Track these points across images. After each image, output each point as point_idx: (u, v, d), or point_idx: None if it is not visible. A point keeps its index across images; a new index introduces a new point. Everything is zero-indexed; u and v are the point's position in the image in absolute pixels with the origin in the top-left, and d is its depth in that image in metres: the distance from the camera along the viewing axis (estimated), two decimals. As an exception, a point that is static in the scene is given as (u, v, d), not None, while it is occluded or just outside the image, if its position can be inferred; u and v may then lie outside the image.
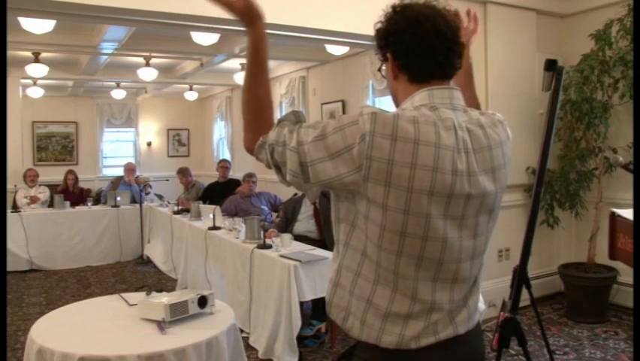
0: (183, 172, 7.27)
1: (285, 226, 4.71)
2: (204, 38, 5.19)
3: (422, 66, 1.20)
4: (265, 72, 1.29)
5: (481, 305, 1.30)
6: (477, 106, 1.46)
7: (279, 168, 1.21)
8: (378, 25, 1.23)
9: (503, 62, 4.36)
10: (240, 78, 7.76)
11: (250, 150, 1.28)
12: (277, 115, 1.28)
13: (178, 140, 11.76)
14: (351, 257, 1.19)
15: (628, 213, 2.26)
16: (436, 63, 1.19)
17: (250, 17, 1.27)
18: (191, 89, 9.85)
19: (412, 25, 1.17)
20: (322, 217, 4.58)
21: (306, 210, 4.71)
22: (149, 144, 11.46)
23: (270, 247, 3.89)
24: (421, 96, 1.19)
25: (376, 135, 1.08)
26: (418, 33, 1.17)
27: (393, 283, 1.15)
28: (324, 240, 4.47)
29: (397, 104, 1.27)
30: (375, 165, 1.08)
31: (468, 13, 1.50)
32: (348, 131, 1.10)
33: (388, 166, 1.08)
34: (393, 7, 1.22)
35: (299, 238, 4.37)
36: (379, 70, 1.29)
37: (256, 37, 1.27)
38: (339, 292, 1.22)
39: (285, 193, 6.49)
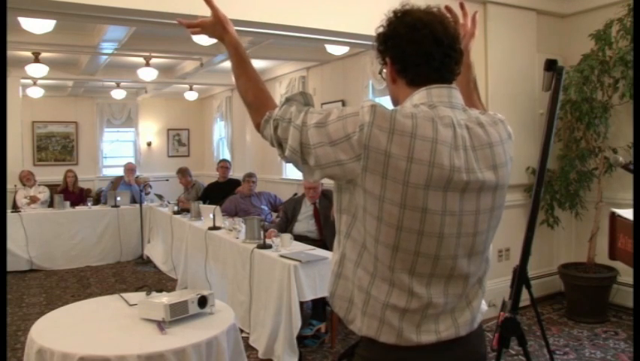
0: (183, 172, 7.27)
1: (285, 225, 4.71)
2: (204, 38, 5.19)
3: (419, 71, 1.21)
4: (250, 63, 1.38)
5: (484, 306, 1.30)
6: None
7: (280, 144, 1.25)
8: (380, 30, 1.25)
9: (503, 62, 4.36)
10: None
11: (258, 125, 1.33)
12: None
13: (178, 140, 11.76)
14: (351, 248, 1.20)
15: (628, 213, 2.25)
16: (433, 69, 1.20)
17: (222, 26, 1.38)
18: (191, 89, 9.84)
19: (410, 31, 1.19)
20: (322, 217, 4.58)
21: (306, 210, 4.71)
22: (149, 144, 11.46)
23: (270, 247, 3.89)
24: (420, 95, 1.20)
25: (374, 127, 1.10)
26: (414, 39, 1.19)
27: (389, 278, 1.16)
28: (324, 240, 4.47)
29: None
30: (372, 156, 1.10)
31: (462, 6, 1.49)
32: (349, 120, 1.13)
33: (385, 158, 1.10)
34: (395, 12, 1.24)
35: (299, 238, 4.38)
36: (380, 73, 1.31)
37: (232, 40, 1.39)
38: (342, 283, 1.23)
39: (285, 193, 6.49)
